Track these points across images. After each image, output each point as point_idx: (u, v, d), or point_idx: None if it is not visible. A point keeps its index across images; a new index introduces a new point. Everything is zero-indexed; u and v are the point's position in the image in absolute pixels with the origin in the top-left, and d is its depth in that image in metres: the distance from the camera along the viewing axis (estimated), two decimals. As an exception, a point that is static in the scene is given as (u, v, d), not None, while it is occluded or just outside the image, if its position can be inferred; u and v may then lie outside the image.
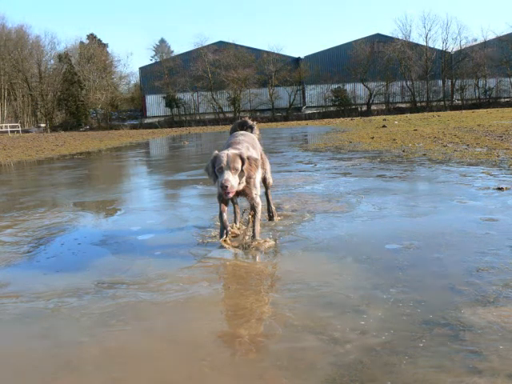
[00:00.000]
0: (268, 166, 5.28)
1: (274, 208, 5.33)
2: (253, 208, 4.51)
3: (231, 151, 4.11)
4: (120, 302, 3.30)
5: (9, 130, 60.71)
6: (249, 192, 4.39)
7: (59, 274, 3.99)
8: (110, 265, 4.17)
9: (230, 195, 3.99)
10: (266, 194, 5.33)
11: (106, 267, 4.10)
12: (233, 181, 3.96)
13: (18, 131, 61.68)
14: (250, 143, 4.72)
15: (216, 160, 4.08)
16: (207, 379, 2.32)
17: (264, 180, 5.17)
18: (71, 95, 71.10)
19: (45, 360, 2.59)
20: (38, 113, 73.28)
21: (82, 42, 77.43)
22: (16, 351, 2.71)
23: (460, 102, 71.79)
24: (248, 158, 4.16)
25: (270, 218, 5.27)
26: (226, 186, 3.87)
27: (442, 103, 70.76)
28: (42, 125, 70.52)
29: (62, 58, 73.63)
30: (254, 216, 4.52)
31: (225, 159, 3.97)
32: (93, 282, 3.71)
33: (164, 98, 71.03)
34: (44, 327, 2.99)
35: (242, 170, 4.09)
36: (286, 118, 65.29)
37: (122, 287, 3.59)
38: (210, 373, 2.38)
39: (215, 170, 4.08)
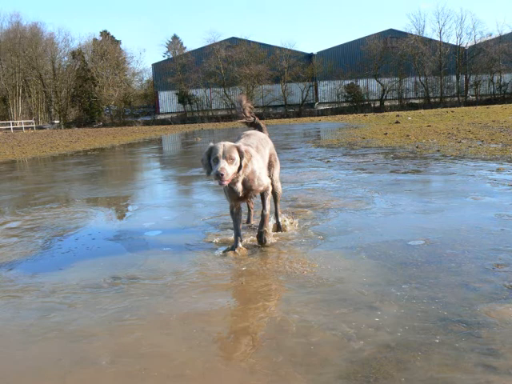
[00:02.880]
0: (277, 170, 4.93)
1: (282, 223, 4.90)
2: (263, 196, 4.40)
3: (227, 142, 4.04)
4: (134, 297, 3.32)
5: (23, 126, 61.36)
6: (254, 185, 4.23)
7: (74, 269, 4.02)
8: (124, 260, 4.20)
9: (225, 183, 3.89)
10: (276, 207, 4.91)
11: (120, 262, 4.13)
12: (228, 169, 3.83)
13: (32, 128, 62.36)
14: (256, 143, 4.56)
15: (212, 151, 3.96)
16: (221, 375, 2.33)
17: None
18: (84, 92, 71.61)
19: (60, 354, 2.61)
20: (52, 109, 73.96)
21: (95, 39, 77.93)
22: (32, 346, 2.74)
23: (474, 97, 71.14)
24: (246, 152, 4.01)
25: (277, 230, 4.86)
26: (222, 174, 3.75)
27: (456, 99, 70.17)
28: (56, 121, 71.18)
29: (76, 54, 74.25)
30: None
31: (221, 149, 3.90)
32: (107, 277, 3.74)
33: (177, 94, 71.26)
34: (59, 322, 3.02)
35: (240, 165, 3.95)
36: (298, 114, 65.17)
37: (136, 282, 3.62)
38: (224, 368, 2.38)
39: (210, 160, 3.96)
